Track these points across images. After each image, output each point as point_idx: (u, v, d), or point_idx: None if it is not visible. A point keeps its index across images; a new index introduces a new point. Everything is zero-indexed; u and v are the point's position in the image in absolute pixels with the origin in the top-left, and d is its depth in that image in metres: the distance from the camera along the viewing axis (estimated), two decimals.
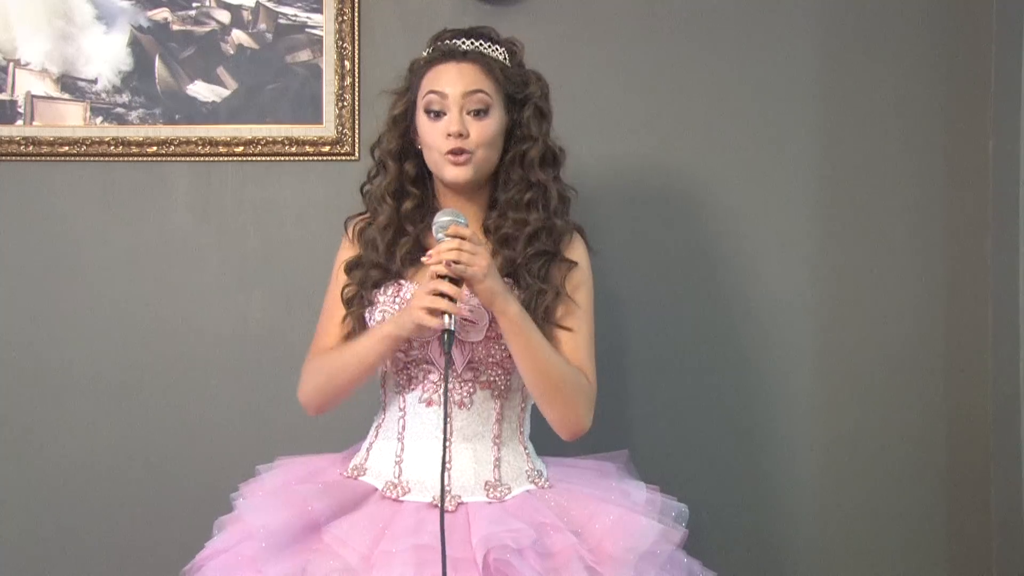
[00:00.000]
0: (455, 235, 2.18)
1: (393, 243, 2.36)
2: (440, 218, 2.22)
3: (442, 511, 2.09)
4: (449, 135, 2.27)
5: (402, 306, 2.29)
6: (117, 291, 2.96)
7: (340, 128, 2.93)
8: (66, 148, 2.94)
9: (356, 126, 2.92)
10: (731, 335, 2.97)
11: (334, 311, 2.40)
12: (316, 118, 2.93)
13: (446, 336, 2.13)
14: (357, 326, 2.37)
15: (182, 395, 2.97)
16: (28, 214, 2.96)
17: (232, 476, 2.45)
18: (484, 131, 2.30)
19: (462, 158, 2.30)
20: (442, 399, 2.24)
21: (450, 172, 2.31)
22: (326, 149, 2.94)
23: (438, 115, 2.30)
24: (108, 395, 2.96)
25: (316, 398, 2.39)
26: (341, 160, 2.93)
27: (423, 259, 2.22)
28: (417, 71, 2.35)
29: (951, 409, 2.97)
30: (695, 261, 2.96)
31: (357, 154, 2.91)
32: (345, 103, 2.92)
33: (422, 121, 2.32)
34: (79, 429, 2.96)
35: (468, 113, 2.29)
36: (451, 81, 2.30)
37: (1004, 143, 2.86)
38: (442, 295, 2.15)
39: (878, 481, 2.98)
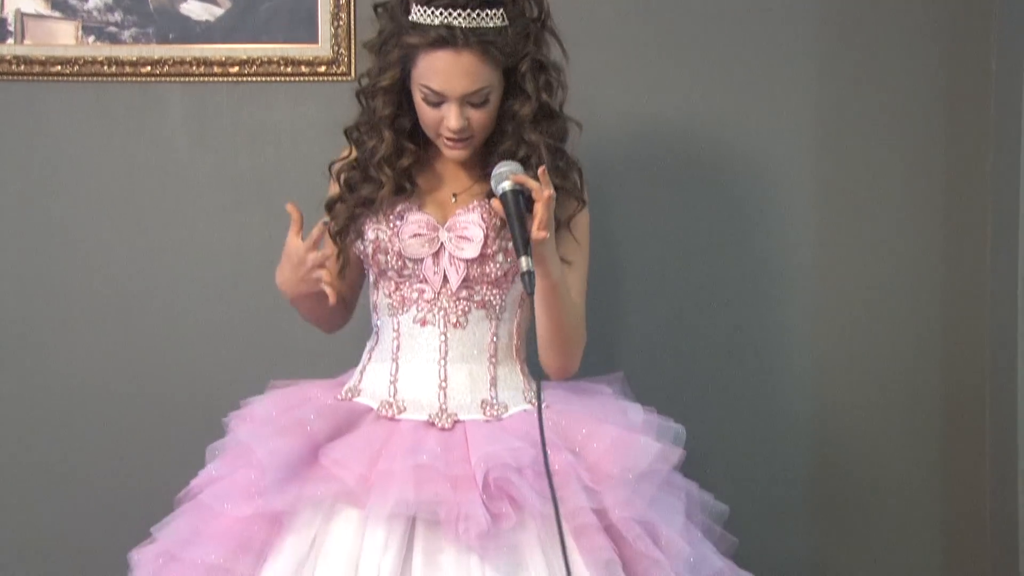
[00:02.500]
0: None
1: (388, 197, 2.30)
2: (504, 167, 2.16)
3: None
4: (449, 127, 2.22)
5: (398, 224, 2.26)
6: (111, 212, 2.91)
7: (336, 48, 2.86)
8: (58, 68, 2.86)
9: (352, 45, 2.85)
10: (728, 260, 2.92)
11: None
12: (311, 37, 2.87)
13: (527, 278, 2.07)
14: (348, 259, 2.33)
15: (177, 316, 2.92)
16: (20, 135, 2.90)
17: (226, 400, 2.40)
18: (484, 117, 2.24)
19: (461, 144, 2.25)
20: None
21: (449, 152, 2.28)
22: (322, 69, 2.88)
23: (436, 104, 2.22)
24: (101, 315, 2.92)
25: (315, 327, 2.44)
26: (337, 80, 2.86)
27: (541, 170, 2.14)
28: (408, 49, 2.21)
29: (949, 329, 2.94)
30: (689, 181, 2.91)
31: (353, 74, 2.84)
32: (341, 22, 2.85)
33: (418, 100, 2.24)
34: (72, 350, 2.92)
35: (467, 104, 2.22)
36: (449, 81, 2.18)
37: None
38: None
39: (877, 405, 2.95)
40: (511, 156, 2.24)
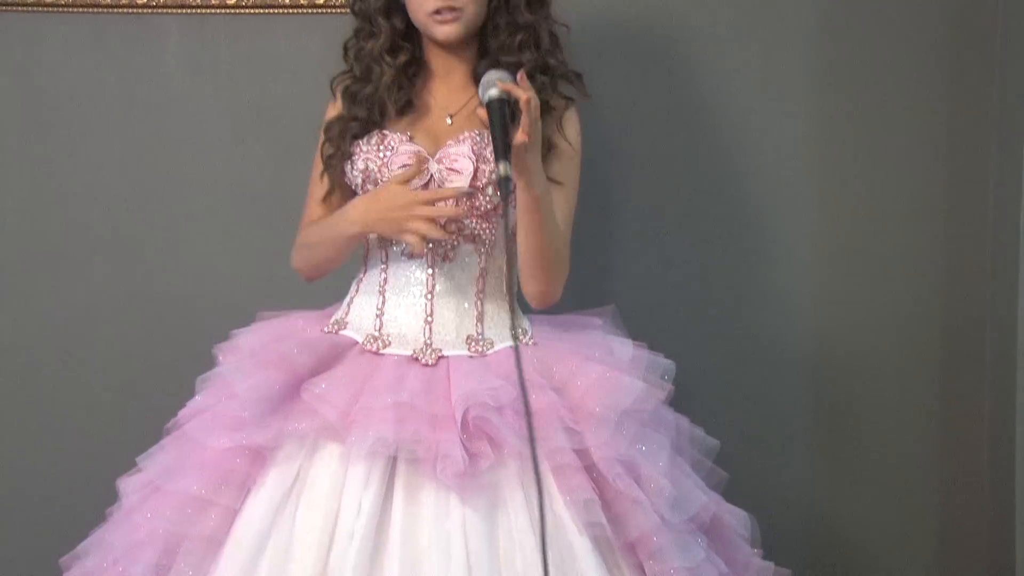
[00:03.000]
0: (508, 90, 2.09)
1: (388, 95, 2.29)
2: (492, 75, 2.11)
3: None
4: None
5: (388, 155, 2.24)
6: (108, 145, 2.89)
7: None
8: None
9: None
10: (724, 187, 2.89)
11: (318, 183, 2.38)
12: None
13: (502, 183, 2.02)
14: (336, 184, 2.32)
15: (174, 248, 2.91)
16: (16, 67, 2.88)
17: (221, 331, 2.39)
18: None
19: (451, 16, 2.23)
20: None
21: (440, 31, 2.25)
22: (321, 1, 2.84)
23: None
24: (98, 247, 2.91)
25: (306, 269, 2.40)
26: (336, 13, 2.82)
27: (517, 80, 2.10)
28: None
29: (951, 256, 2.91)
30: (687, 112, 2.87)
31: None
32: None
33: None
34: (70, 283, 2.92)
35: None
36: None
37: None
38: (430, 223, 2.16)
39: (875, 334, 2.92)
40: (507, 47, 2.25)
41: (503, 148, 2.03)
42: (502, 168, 2.01)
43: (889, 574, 2.93)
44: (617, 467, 2.09)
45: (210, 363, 2.34)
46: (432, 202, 2.18)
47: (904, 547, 2.92)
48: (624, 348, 2.26)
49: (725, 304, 2.91)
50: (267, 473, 2.11)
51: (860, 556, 2.93)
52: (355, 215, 2.23)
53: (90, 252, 2.92)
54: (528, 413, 1.93)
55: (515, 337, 2.05)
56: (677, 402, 2.31)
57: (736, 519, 2.28)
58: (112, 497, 2.29)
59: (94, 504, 2.37)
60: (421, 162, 2.23)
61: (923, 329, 2.92)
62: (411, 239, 2.17)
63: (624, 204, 2.88)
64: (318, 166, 2.38)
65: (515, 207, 2.20)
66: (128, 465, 2.28)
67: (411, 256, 2.26)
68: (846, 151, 2.90)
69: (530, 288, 2.27)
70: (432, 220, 2.16)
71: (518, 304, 2.33)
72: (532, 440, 1.93)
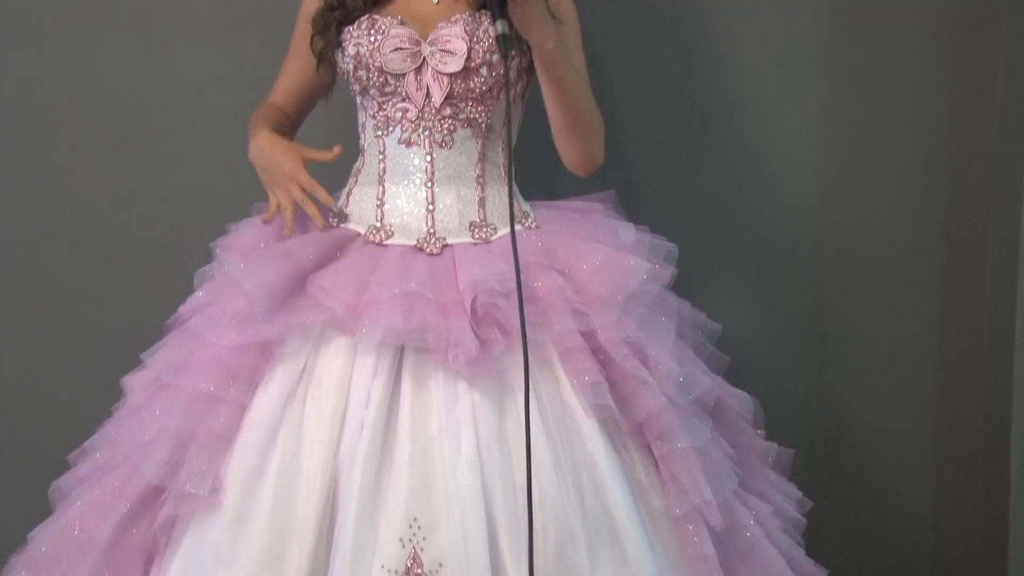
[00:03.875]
0: None
1: None
2: None
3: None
4: None
5: (379, 38, 2.21)
6: (101, 40, 2.85)
7: None
8: None
9: None
10: (731, 77, 2.86)
11: (287, 62, 2.39)
12: None
13: (501, 41, 2.00)
14: (328, 72, 2.31)
15: (166, 141, 2.88)
16: None
17: (215, 224, 2.37)
18: None
19: None
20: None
21: None
22: None
23: None
24: (97, 140, 2.88)
25: None
26: None
27: None
28: None
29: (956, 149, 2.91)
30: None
31: None
32: None
33: None
34: (64, 176, 2.89)
35: None
36: None
37: None
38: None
39: (879, 227, 2.92)
40: None
41: (499, 4, 2.00)
42: (499, 26, 1.99)
43: (888, 454, 2.96)
44: (624, 348, 2.09)
45: (202, 257, 2.33)
46: (306, 189, 2.18)
47: (903, 427, 2.95)
48: (627, 231, 2.26)
49: (727, 195, 2.89)
50: (274, 368, 2.10)
51: (859, 437, 2.96)
52: (253, 150, 2.25)
53: (85, 142, 2.88)
54: (521, 302, 1.94)
55: (512, 220, 2.02)
56: (677, 288, 2.30)
57: (739, 401, 2.30)
58: (115, 395, 2.29)
59: (97, 402, 2.37)
60: (332, 155, 2.21)
61: (926, 223, 2.92)
62: (272, 202, 2.21)
63: (624, 87, 2.85)
64: (294, 46, 2.37)
65: (523, 70, 2.18)
66: (131, 364, 2.28)
67: (408, 145, 2.23)
68: (855, 47, 2.88)
69: (571, 153, 2.25)
70: (292, 200, 2.18)
71: (518, 188, 2.32)
72: (523, 332, 1.94)
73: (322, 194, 2.19)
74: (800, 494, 2.35)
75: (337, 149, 2.19)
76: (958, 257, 2.92)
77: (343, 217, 2.27)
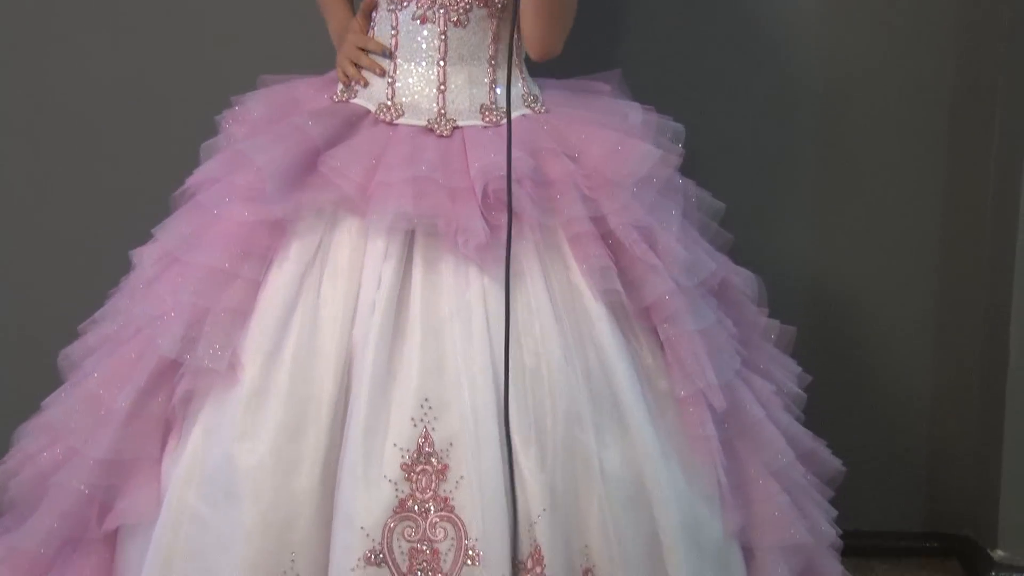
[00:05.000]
0: None
1: None
2: None
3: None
4: None
5: None
6: None
7: None
8: None
9: None
10: None
11: None
12: None
13: None
14: None
15: (170, 9, 2.85)
16: None
17: (219, 96, 2.37)
18: None
19: None
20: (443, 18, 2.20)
21: None
22: None
23: None
24: (95, 15, 2.86)
25: None
26: None
27: None
28: None
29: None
30: None
31: None
32: None
33: None
34: (70, 50, 2.87)
35: None
36: None
37: None
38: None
39: (883, 89, 2.90)
40: None
41: None
42: None
43: (890, 331, 3.01)
44: (634, 234, 2.11)
45: (208, 130, 2.33)
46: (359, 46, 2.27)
47: (903, 301, 2.99)
48: (635, 113, 2.26)
49: (729, 68, 2.88)
50: (288, 245, 2.11)
51: (861, 311, 3.00)
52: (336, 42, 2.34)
53: (84, 23, 2.85)
54: (509, 183, 1.98)
55: (507, 95, 2.04)
56: (682, 164, 2.31)
57: (742, 280, 2.34)
58: (124, 270, 2.31)
59: (106, 272, 2.39)
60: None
61: (931, 85, 2.91)
62: (339, 74, 2.27)
63: None
64: None
65: None
66: (135, 236, 2.29)
67: (422, 22, 2.22)
68: None
69: (530, 32, 2.20)
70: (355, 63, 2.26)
71: (528, 71, 2.31)
72: (509, 223, 1.99)
73: (371, 45, 2.27)
74: (800, 369, 2.40)
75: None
76: (964, 110, 2.91)
77: (352, 92, 2.26)
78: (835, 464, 2.39)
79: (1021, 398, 2.86)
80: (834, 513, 2.34)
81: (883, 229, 2.94)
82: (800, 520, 2.18)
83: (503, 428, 1.99)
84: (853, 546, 2.50)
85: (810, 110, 2.91)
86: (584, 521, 2.01)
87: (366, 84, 2.25)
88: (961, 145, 2.91)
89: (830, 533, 2.29)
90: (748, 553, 2.17)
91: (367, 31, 2.30)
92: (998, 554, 2.98)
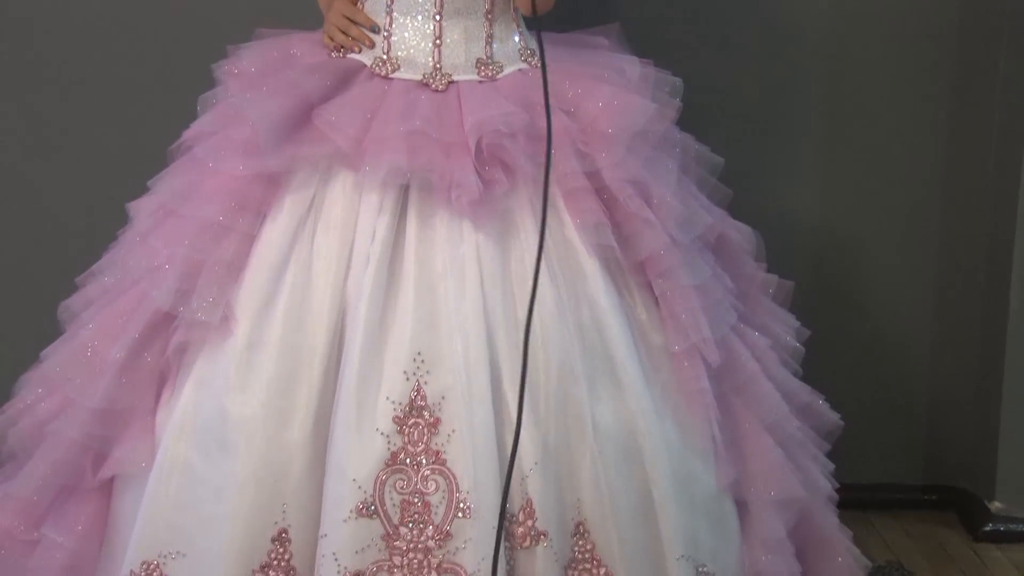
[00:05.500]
0: None
1: None
2: None
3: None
4: None
5: None
6: None
7: None
8: None
9: None
10: None
11: None
12: None
13: None
14: None
15: None
16: None
17: (215, 47, 2.32)
18: None
19: None
20: None
21: None
22: None
23: None
24: None
25: None
26: None
27: None
28: None
29: None
30: None
31: None
32: None
33: None
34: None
35: None
36: None
37: None
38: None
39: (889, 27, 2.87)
40: None
41: None
42: None
43: (889, 285, 2.98)
44: (628, 189, 2.09)
45: (203, 82, 2.29)
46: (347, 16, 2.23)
47: (903, 256, 2.96)
48: (632, 67, 2.23)
49: (731, 20, 2.84)
50: (283, 199, 2.10)
51: (859, 265, 2.97)
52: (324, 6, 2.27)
53: None
54: (549, 140, 1.93)
55: (540, 48, 1.98)
56: (681, 119, 2.28)
57: (741, 234, 2.31)
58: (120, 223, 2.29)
59: (104, 225, 2.37)
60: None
61: (934, 27, 2.87)
62: (325, 39, 2.23)
63: None
64: None
65: None
66: (133, 190, 2.27)
67: None
68: None
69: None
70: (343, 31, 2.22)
71: (524, 24, 2.27)
72: (547, 176, 1.92)
73: (359, 17, 2.23)
74: (798, 324, 2.38)
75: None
76: (965, 80, 2.87)
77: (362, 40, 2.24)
78: (832, 418, 2.36)
79: (1020, 352, 2.84)
80: (831, 467, 2.32)
81: (883, 180, 2.91)
82: (794, 474, 2.17)
83: (496, 382, 1.98)
84: (851, 499, 2.49)
85: (810, 61, 2.87)
86: (576, 475, 2.00)
87: (359, 50, 2.22)
88: (964, 94, 2.87)
89: (826, 486, 2.27)
90: (742, 507, 2.15)
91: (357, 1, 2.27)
92: (995, 506, 2.96)
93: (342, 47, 2.23)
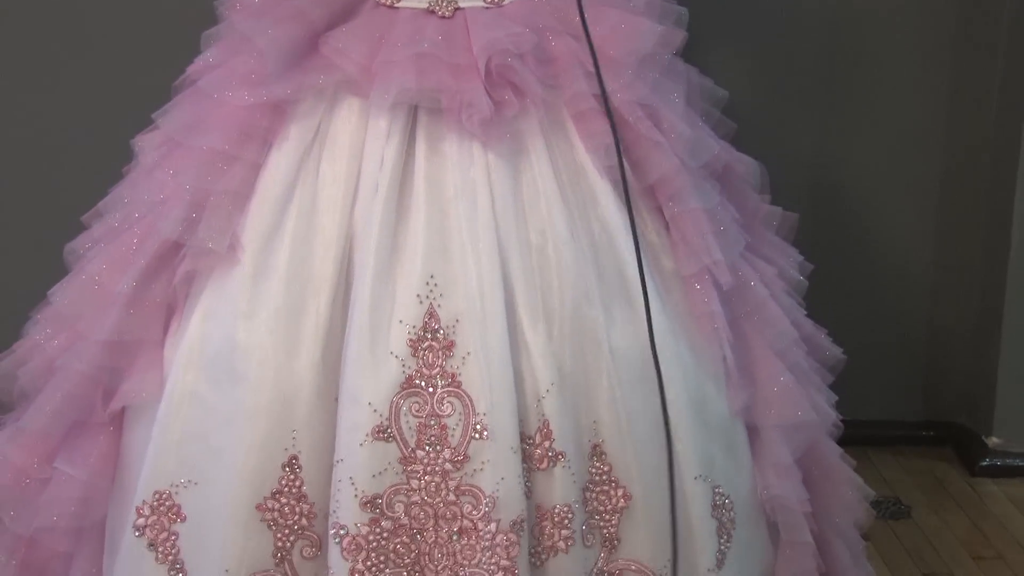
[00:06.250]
0: None
1: None
2: None
3: None
4: None
5: None
6: None
7: None
8: None
9: None
10: None
11: None
12: None
13: None
14: None
15: None
16: None
17: None
18: None
19: None
20: None
21: None
22: None
23: None
24: None
25: None
26: None
27: None
28: None
29: None
30: None
31: None
32: None
33: None
34: None
35: None
36: None
37: None
38: None
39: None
40: None
41: None
42: None
43: (890, 218, 2.93)
44: (638, 111, 2.02)
45: (207, 18, 2.20)
46: None
47: (905, 192, 2.91)
48: None
49: None
50: (288, 127, 2.02)
51: (862, 200, 2.93)
52: None
53: None
54: (603, 96, 1.87)
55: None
56: (684, 53, 2.21)
57: (745, 167, 2.24)
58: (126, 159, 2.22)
59: (108, 165, 2.30)
60: None
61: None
62: None
63: None
64: None
65: None
66: (133, 126, 2.20)
67: None
68: None
69: None
70: None
71: None
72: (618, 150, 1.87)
73: None
74: (802, 257, 2.32)
75: None
76: (970, 23, 2.82)
77: None
78: (835, 352, 2.31)
79: (1020, 290, 2.80)
80: (834, 398, 2.26)
81: (887, 115, 2.86)
82: (804, 399, 2.11)
83: (510, 303, 1.92)
84: (848, 435, 2.42)
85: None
86: (593, 397, 1.94)
87: None
88: (968, 36, 2.81)
89: (831, 416, 2.22)
90: (752, 431, 2.10)
91: None
92: (993, 441, 2.92)
93: None
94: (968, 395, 2.91)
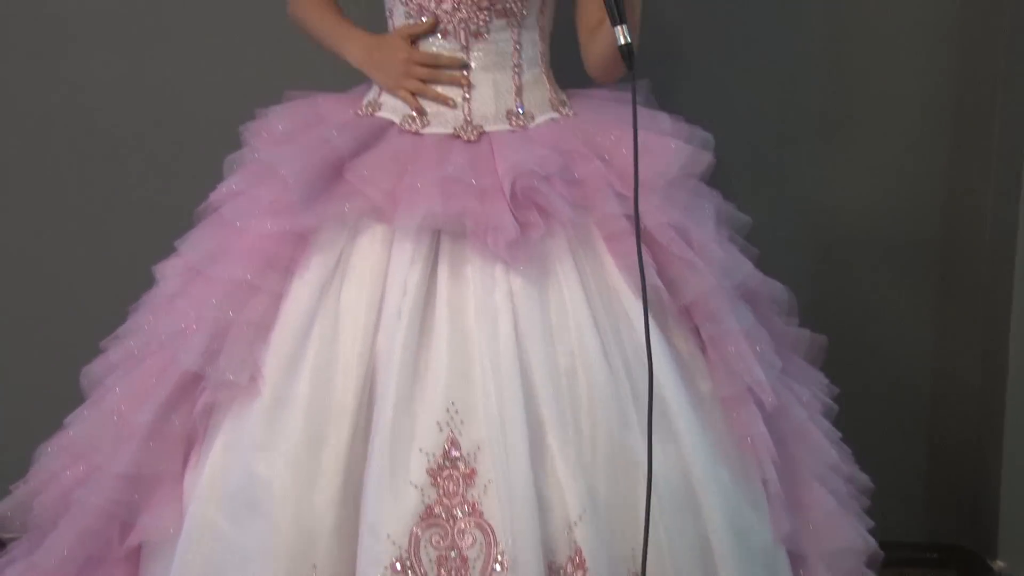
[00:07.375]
0: None
1: None
2: None
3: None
4: None
5: None
6: None
7: None
8: None
9: None
10: None
11: None
12: None
13: (625, 51, 1.77)
14: None
15: (193, 27, 2.68)
16: None
17: (242, 110, 2.13)
18: None
19: None
20: None
21: None
22: None
23: None
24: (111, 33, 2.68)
25: (301, 31, 2.21)
26: None
27: None
28: None
29: None
30: None
31: None
32: None
33: None
34: (83, 59, 2.70)
35: None
36: None
37: None
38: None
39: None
40: None
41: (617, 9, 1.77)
42: (621, 35, 1.77)
43: (889, 333, 2.81)
44: (670, 231, 1.91)
45: (230, 143, 2.10)
46: (428, 64, 2.00)
47: (903, 309, 2.81)
48: (664, 119, 2.06)
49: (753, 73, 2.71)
50: (310, 257, 1.91)
51: (863, 318, 2.81)
52: (356, 55, 2.07)
53: (110, 35, 2.68)
54: (636, 179, 1.77)
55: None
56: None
57: (771, 289, 2.11)
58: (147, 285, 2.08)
59: (130, 286, 2.16)
60: (430, 25, 2.01)
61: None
62: (403, 95, 2.01)
63: None
64: None
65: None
66: (162, 251, 2.07)
67: (442, 36, 2.01)
68: None
69: (613, 73, 2.05)
70: (424, 80, 2.00)
71: (554, 76, 2.11)
72: (636, 208, 1.76)
73: (444, 60, 2.01)
74: (827, 381, 2.18)
75: (431, 20, 2.01)
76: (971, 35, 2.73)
77: (376, 106, 2.06)
78: (863, 478, 2.16)
79: (1020, 410, 2.68)
80: (870, 524, 2.11)
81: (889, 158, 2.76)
82: (850, 526, 1.98)
83: (538, 431, 1.79)
84: None
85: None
86: (631, 524, 1.79)
87: (453, 105, 2.02)
88: (967, 66, 2.71)
89: (871, 542, 2.07)
90: (796, 558, 1.95)
91: None
92: (998, 564, 2.78)
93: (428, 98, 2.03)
94: (971, 518, 2.77)
